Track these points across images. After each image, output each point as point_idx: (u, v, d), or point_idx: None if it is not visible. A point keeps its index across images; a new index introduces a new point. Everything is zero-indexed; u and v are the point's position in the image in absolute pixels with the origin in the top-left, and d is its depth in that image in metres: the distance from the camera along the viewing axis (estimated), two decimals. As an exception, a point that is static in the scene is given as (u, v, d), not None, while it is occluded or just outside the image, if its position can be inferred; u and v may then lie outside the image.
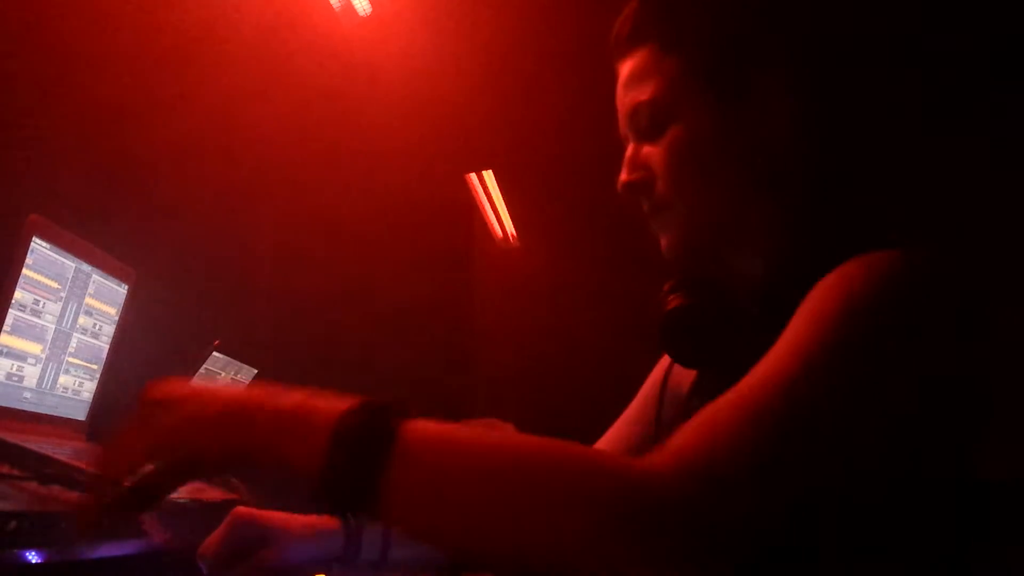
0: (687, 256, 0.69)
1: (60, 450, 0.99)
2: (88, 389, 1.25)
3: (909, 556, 0.52)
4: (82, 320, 1.19)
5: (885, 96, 0.69)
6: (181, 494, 0.91)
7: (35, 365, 1.10)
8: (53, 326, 1.12)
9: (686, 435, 0.47)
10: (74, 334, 1.18)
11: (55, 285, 1.11)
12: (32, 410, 1.10)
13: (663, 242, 0.70)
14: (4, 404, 1.04)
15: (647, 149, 0.69)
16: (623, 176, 0.70)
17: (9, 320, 1.02)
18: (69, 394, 1.20)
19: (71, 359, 1.19)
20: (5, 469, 0.87)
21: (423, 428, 0.47)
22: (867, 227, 0.64)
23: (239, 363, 1.58)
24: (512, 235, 2.82)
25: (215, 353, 1.47)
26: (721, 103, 0.65)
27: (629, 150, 0.71)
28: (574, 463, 0.46)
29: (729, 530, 0.43)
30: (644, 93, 0.67)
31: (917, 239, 0.58)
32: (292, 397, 0.49)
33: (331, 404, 0.48)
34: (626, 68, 0.70)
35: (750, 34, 0.65)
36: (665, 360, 0.87)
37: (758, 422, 0.46)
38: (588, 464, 0.46)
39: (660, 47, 0.67)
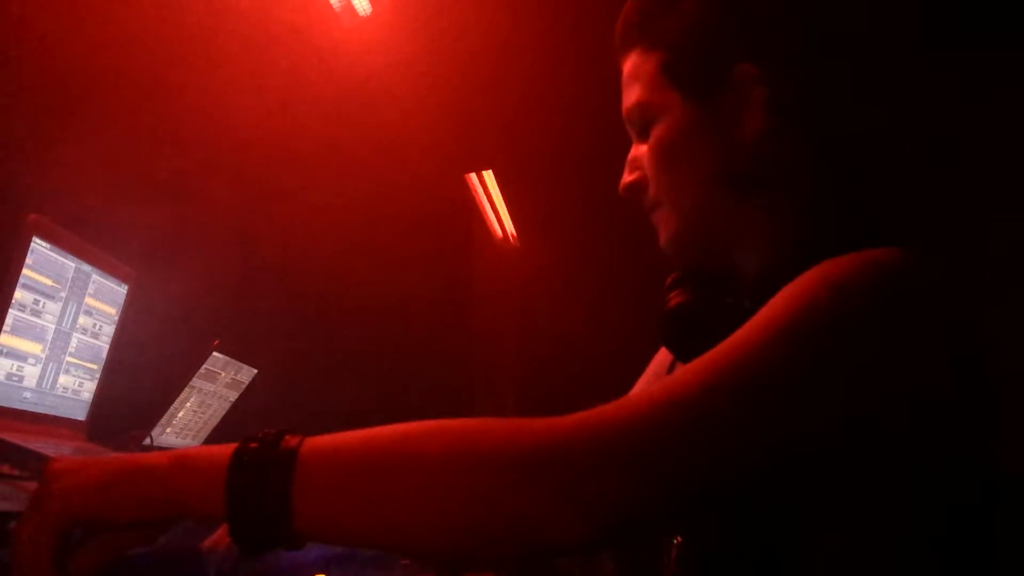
0: (682, 252, 0.70)
1: (60, 450, 0.99)
2: (88, 389, 1.25)
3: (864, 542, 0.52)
4: (82, 320, 1.19)
5: (871, 90, 0.68)
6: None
7: (35, 365, 1.10)
8: (53, 326, 1.12)
9: (616, 401, 0.49)
10: (74, 334, 1.18)
11: (55, 285, 1.11)
12: (32, 410, 1.10)
13: (660, 239, 0.71)
14: (4, 404, 1.04)
15: (642, 149, 0.70)
16: (623, 177, 0.72)
17: (9, 320, 1.02)
18: (69, 394, 1.20)
19: (71, 359, 1.19)
20: (5, 469, 0.87)
21: (320, 442, 0.48)
22: (859, 224, 0.63)
23: (239, 363, 1.58)
24: (512, 235, 2.82)
25: (215, 353, 1.47)
26: (696, 102, 0.65)
27: (631, 151, 0.72)
28: (471, 430, 0.48)
29: (612, 481, 0.45)
30: (633, 96, 0.69)
31: (908, 238, 0.58)
32: (183, 449, 0.49)
33: (222, 446, 0.48)
34: (624, 70, 0.71)
35: (724, 33, 0.65)
36: None
37: (674, 390, 0.48)
38: (485, 428, 0.48)
39: (644, 49, 0.68)
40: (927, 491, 0.52)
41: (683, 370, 0.50)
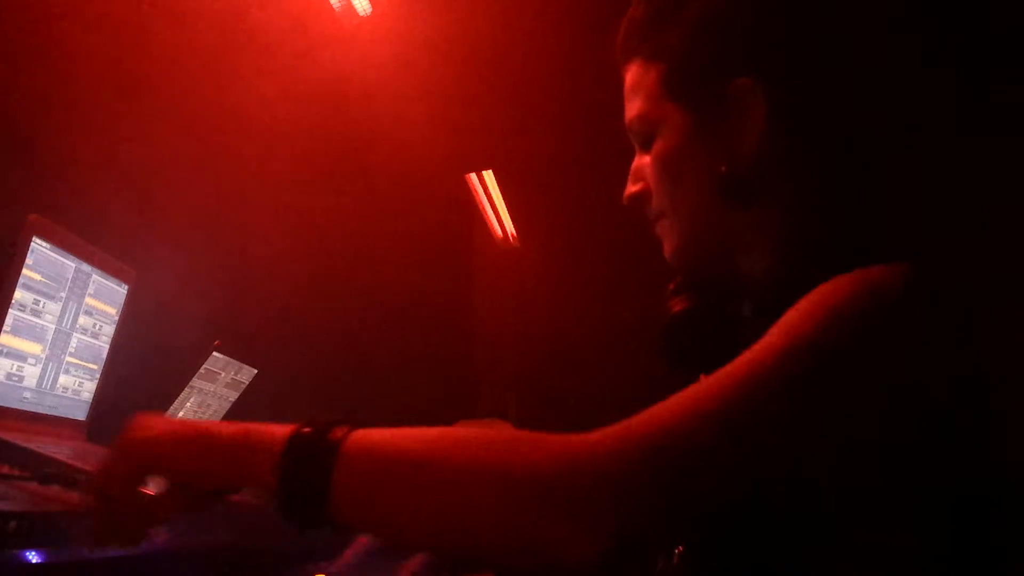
0: (686, 264, 0.70)
1: (60, 450, 0.99)
2: (88, 389, 1.25)
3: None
4: (82, 320, 1.19)
5: (871, 102, 0.69)
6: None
7: (35, 365, 1.10)
8: (53, 326, 1.12)
9: (632, 418, 0.50)
10: (74, 334, 1.18)
11: (55, 285, 1.11)
12: (32, 410, 1.11)
13: (665, 250, 0.72)
14: (4, 404, 1.04)
15: (646, 160, 0.70)
16: (627, 187, 0.72)
17: (9, 320, 1.02)
18: (69, 394, 1.20)
19: (71, 359, 1.19)
20: (5, 469, 0.87)
21: (364, 435, 0.52)
22: (860, 233, 0.64)
23: (239, 363, 1.58)
24: (512, 235, 2.82)
25: (215, 353, 1.47)
26: (696, 115, 0.65)
27: (635, 161, 0.72)
28: (497, 444, 0.50)
29: (627, 503, 0.46)
30: (634, 108, 0.69)
31: (910, 246, 0.58)
32: (251, 424, 0.55)
33: (283, 427, 0.53)
34: (626, 80, 0.71)
35: (723, 46, 0.65)
36: None
37: (687, 412, 0.49)
38: (510, 442, 0.50)
39: (644, 60, 0.68)
40: (932, 507, 0.52)
41: (685, 394, 0.50)
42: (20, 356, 1.07)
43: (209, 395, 1.54)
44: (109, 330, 1.28)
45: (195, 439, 0.54)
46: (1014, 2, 1.37)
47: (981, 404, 0.53)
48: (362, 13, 1.60)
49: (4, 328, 1.01)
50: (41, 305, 1.09)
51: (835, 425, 0.49)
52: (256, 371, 1.65)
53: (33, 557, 0.65)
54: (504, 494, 0.47)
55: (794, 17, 0.65)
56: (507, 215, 2.69)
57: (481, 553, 0.48)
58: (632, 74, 0.70)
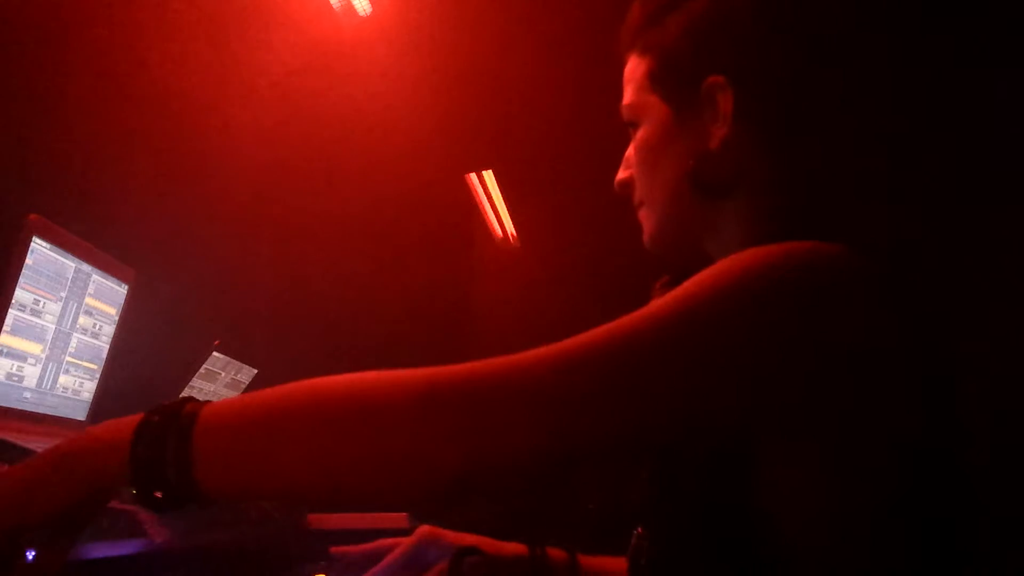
0: (660, 251, 0.74)
1: (60, 450, 0.99)
2: (88, 389, 1.25)
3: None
4: (82, 320, 1.19)
5: (839, 101, 0.71)
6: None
7: (35, 365, 1.10)
8: (53, 326, 1.12)
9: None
10: (74, 334, 1.18)
11: (55, 285, 1.11)
12: (32, 410, 1.11)
13: (644, 237, 0.75)
14: (4, 404, 1.04)
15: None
16: (618, 173, 0.76)
17: (9, 320, 1.02)
18: (69, 394, 1.20)
19: (71, 359, 1.19)
20: (5, 469, 0.87)
21: (219, 404, 0.50)
22: (822, 227, 0.65)
23: (239, 363, 1.58)
24: (512, 235, 2.82)
25: (215, 353, 1.47)
26: (673, 108, 0.69)
27: (628, 149, 0.76)
28: (362, 383, 0.51)
29: (476, 430, 0.48)
30: (625, 97, 0.74)
31: (865, 238, 0.59)
32: (79, 435, 0.50)
33: (124, 420, 0.50)
34: (624, 71, 0.75)
35: (703, 44, 0.68)
36: None
37: (568, 349, 0.52)
38: (375, 379, 0.51)
39: (639, 53, 0.72)
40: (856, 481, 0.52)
41: (585, 334, 0.53)
42: (20, 356, 1.07)
43: (209, 395, 1.54)
44: (109, 330, 1.28)
45: (33, 471, 0.49)
46: (986, 7, 1.38)
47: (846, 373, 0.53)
48: (362, 13, 1.60)
49: (4, 328, 1.01)
50: (41, 305, 1.09)
51: (705, 380, 0.51)
52: (256, 371, 1.65)
53: (32, 557, 0.65)
54: (376, 424, 0.48)
55: (769, 22, 0.68)
56: (507, 215, 2.69)
57: (352, 487, 0.48)
58: (628, 65, 0.74)
